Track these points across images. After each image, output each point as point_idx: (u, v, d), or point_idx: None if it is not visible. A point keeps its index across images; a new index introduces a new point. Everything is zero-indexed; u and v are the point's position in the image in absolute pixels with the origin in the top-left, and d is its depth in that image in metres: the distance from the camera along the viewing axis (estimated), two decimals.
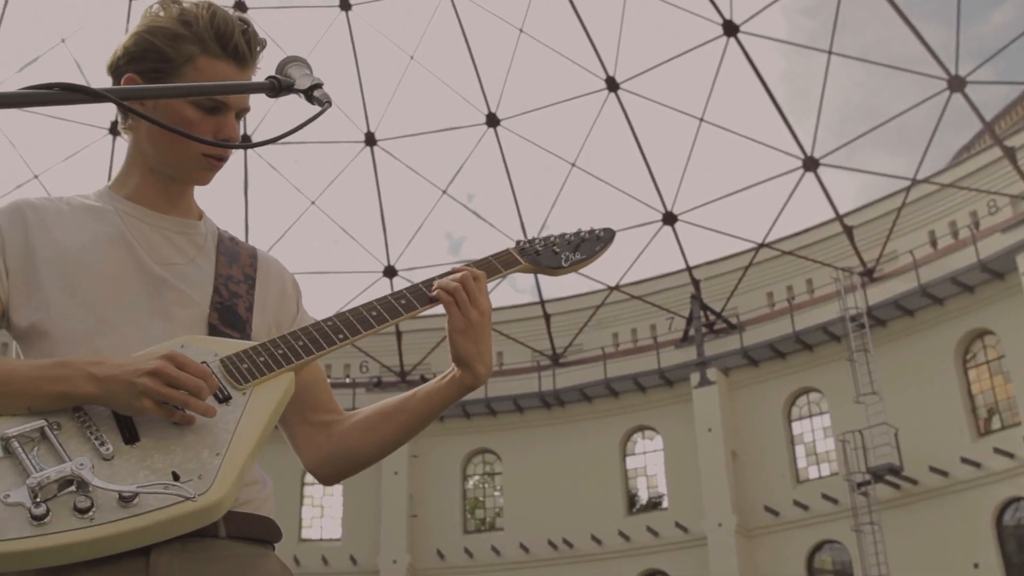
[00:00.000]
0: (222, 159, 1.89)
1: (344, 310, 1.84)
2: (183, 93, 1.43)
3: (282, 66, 1.65)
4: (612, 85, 29.09)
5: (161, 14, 1.85)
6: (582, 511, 29.07)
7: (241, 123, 1.92)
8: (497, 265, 2.00)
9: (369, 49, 32.26)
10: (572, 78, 34.35)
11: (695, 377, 28.75)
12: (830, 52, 26.84)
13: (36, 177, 29.34)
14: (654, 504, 29.76)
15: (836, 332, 26.71)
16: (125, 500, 1.46)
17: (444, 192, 31.47)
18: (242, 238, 2.03)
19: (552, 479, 29.83)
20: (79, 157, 31.20)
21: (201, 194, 1.97)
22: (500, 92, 30.47)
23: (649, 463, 30.19)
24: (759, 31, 27.96)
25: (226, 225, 2.04)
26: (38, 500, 1.44)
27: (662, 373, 29.39)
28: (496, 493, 31.81)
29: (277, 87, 1.58)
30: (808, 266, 29.81)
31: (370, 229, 35.52)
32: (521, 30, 29.72)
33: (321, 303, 31.98)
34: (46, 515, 1.43)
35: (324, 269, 33.55)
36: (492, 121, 30.47)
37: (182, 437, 1.58)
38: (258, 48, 1.89)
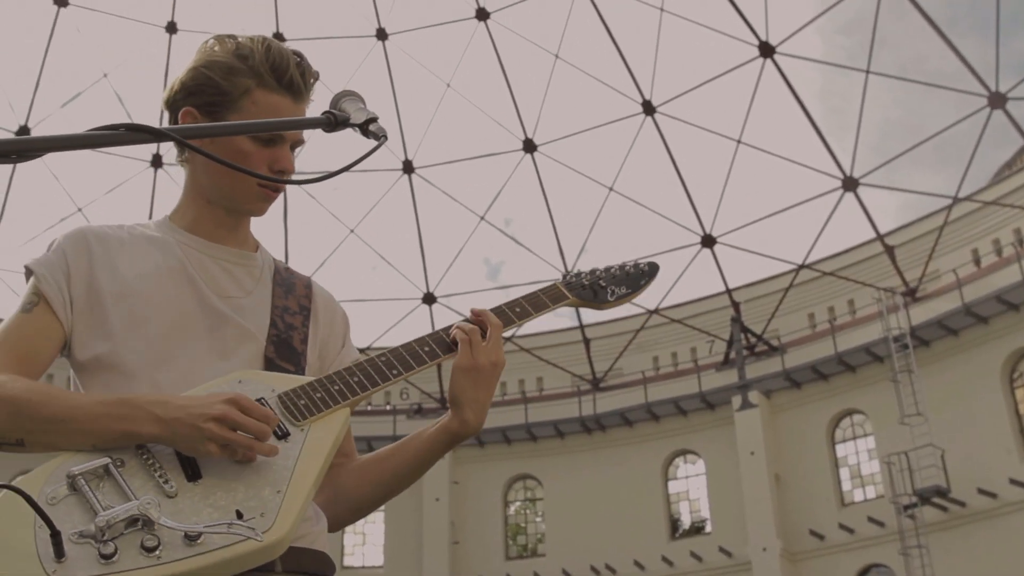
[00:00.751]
0: (278, 190, 1.90)
1: (397, 346, 1.84)
2: (242, 130, 1.46)
3: (336, 100, 1.67)
4: (648, 109, 29.12)
5: (217, 48, 1.87)
6: (624, 536, 28.90)
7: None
8: (545, 300, 2.00)
9: (406, 78, 32.45)
10: (608, 102, 34.44)
11: (737, 400, 28.56)
12: (867, 71, 26.73)
13: (80, 210, 29.77)
14: (697, 529, 29.54)
15: (879, 353, 26.45)
16: (191, 539, 1.47)
17: (482, 219, 31.59)
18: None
19: (594, 504, 29.69)
20: (121, 189, 31.59)
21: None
22: (536, 118, 30.61)
23: (691, 487, 29.99)
24: (795, 51, 27.90)
25: None
26: (106, 538, 1.45)
27: (703, 396, 29.23)
28: (538, 519, 31.71)
29: (333, 122, 1.59)
30: (849, 287, 29.59)
31: (409, 256, 35.61)
32: (557, 56, 29.85)
33: (361, 330, 32.07)
34: (114, 554, 1.44)
35: (363, 297, 33.61)
36: (529, 147, 30.57)
37: (244, 475, 1.59)
38: (312, 81, 1.90)
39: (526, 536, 31.77)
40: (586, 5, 28.73)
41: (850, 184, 27.56)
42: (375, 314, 43.66)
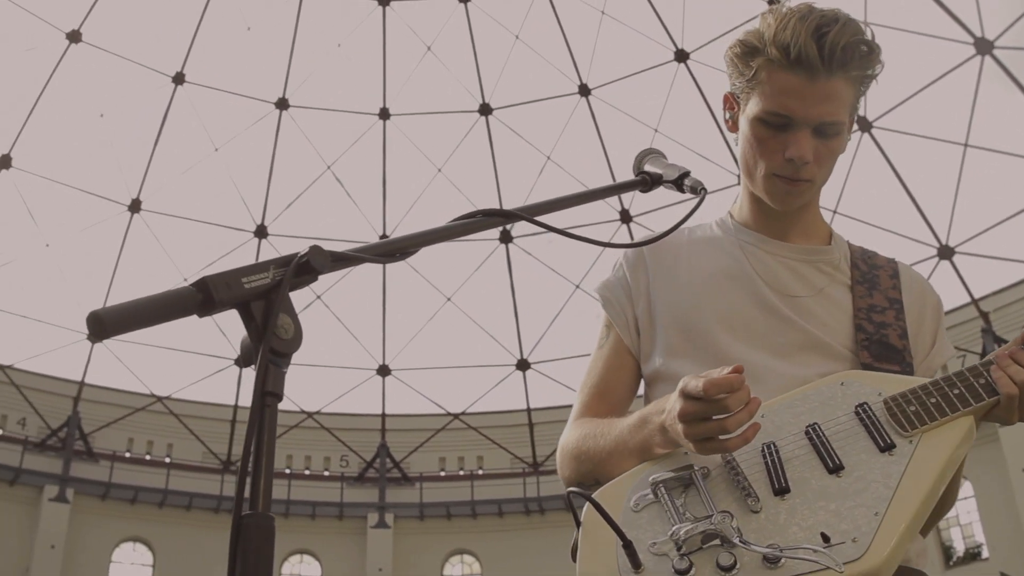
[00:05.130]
0: (798, 180, 1.70)
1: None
2: (570, 204, 1.45)
3: (639, 161, 1.64)
4: (864, 125, 28.23)
5: (757, 25, 1.70)
6: None
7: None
8: None
9: (506, 150, 31.67)
10: None
11: None
12: None
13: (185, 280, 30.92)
14: (973, 555, 27.92)
15: None
16: (770, 561, 1.36)
17: (577, 287, 30.34)
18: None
19: None
20: (227, 259, 31.49)
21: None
22: None
23: (961, 512, 28.41)
24: (1014, 41, 26.35)
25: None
26: (682, 552, 1.40)
27: None
28: None
29: (648, 182, 1.58)
30: None
31: (504, 324, 33.37)
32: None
33: (456, 396, 31.55)
34: (689, 569, 1.39)
35: (459, 363, 32.10)
36: (624, 218, 29.59)
37: (837, 492, 1.44)
38: (843, 53, 1.63)
39: None
40: None
41: None
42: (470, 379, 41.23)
